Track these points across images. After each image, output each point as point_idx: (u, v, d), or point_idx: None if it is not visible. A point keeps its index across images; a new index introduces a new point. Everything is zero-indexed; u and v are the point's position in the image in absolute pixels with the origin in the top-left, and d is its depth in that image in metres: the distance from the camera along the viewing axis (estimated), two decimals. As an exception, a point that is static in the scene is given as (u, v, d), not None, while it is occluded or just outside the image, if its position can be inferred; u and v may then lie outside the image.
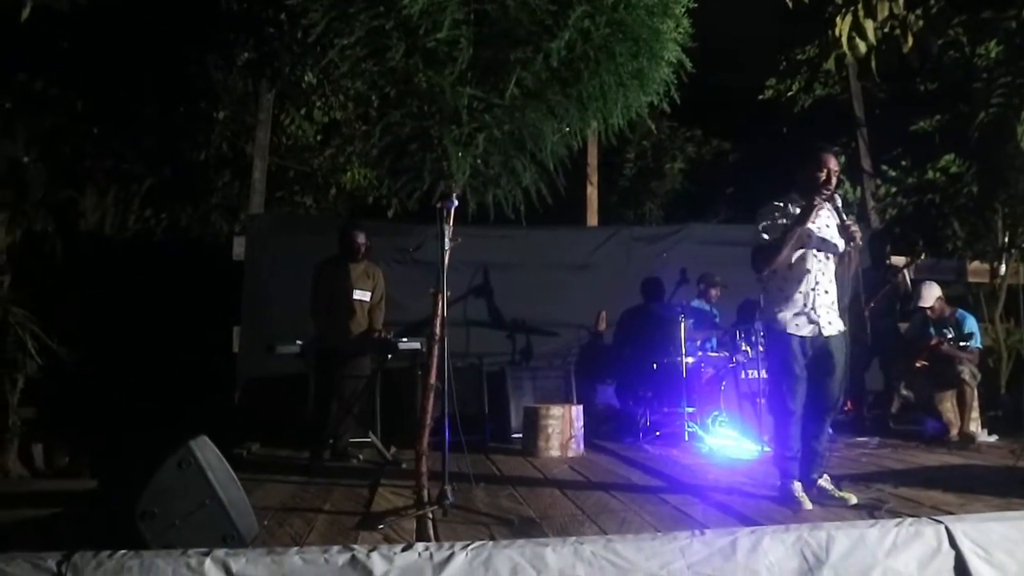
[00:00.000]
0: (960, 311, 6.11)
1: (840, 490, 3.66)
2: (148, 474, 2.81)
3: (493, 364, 6.73)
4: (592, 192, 8.09)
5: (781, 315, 3.67)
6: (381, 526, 3.27)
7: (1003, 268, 7.95)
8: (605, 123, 3.79)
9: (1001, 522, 2.93)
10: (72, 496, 4.59)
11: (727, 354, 6.21)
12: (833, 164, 3.66)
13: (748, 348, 6.02)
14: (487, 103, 3.52)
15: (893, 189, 8.86)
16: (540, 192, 3.80)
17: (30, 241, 6.97)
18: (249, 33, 8.13)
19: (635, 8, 3.48)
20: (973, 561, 2.77)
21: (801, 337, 3.64)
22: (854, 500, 3.56)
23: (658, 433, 6.06)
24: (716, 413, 5.96)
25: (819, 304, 3.66)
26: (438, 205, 3.66)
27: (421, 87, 3.53)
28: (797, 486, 3.63)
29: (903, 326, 6.57)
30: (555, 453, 5.42)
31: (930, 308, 5.99)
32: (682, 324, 6.04)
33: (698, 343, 6.41)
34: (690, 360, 6.08)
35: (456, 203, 3.67)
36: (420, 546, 2.64)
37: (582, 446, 5.58)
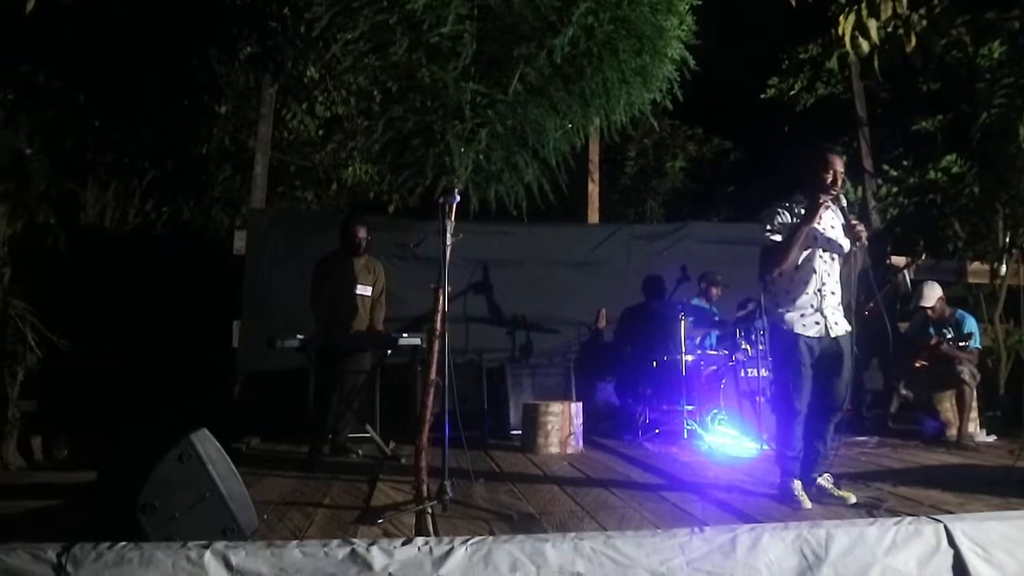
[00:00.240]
0: (960, 311, 6.12)
1: (839, 489, 3.67)
2: (149, 467, 2.81)
3: (493, 360, 6.73)
4: (593, 189, 8.09)
5: (788, 315, 3.67)
6: (380, 521, 3.28)
7: (1003, 269, 7.95)
8: (607, 120, 3.79)
9: (1000, 521, 2.94)
10: (72, 488, 4.59)
11: (727, 352, 6.21)
12: (839, 165, 3.66)
13: (748, 346, 6.02)
14: (490, 99, 3.51)
15: (894, 189, 8.85)
16: (542, 188, 3.80)
17: (31, 233, 6.96)
18: (252, 27, 8.13)
19: (639, 5, 3.47)
20: (972, 560, 2.78)
21: (808, 337, 3.64)
22: (853, 499, 3.56)
23: (657, 431, 6.06)
24: (716, 411, 5.96)
25: (826, 305, 3.67)
26: (440, 201, 3.66)
27: (424, 82, 3.52)
28: (797, 484, 3.64)
29: (903, 326, 6.58)
30: (554, 450, 5.42)
31: (931, 308, 5.99)
32: (682, 322, 6.05)
33: (698, 341, 6.42)
34: (690, 358, 6.08)
35: (458, 199, 3.67)
36: (420, 540, 2.64)
37: (581, 443, 5.58)
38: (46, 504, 3.95)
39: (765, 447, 5.22)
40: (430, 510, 3.43)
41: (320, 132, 9.89)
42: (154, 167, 8.65)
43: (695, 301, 6.57)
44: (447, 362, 3.66)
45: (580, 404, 5.69)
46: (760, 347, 5.74)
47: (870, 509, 3.36)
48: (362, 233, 5.40)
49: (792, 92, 10.86)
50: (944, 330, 6.00)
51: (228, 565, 2.50)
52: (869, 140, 8.80)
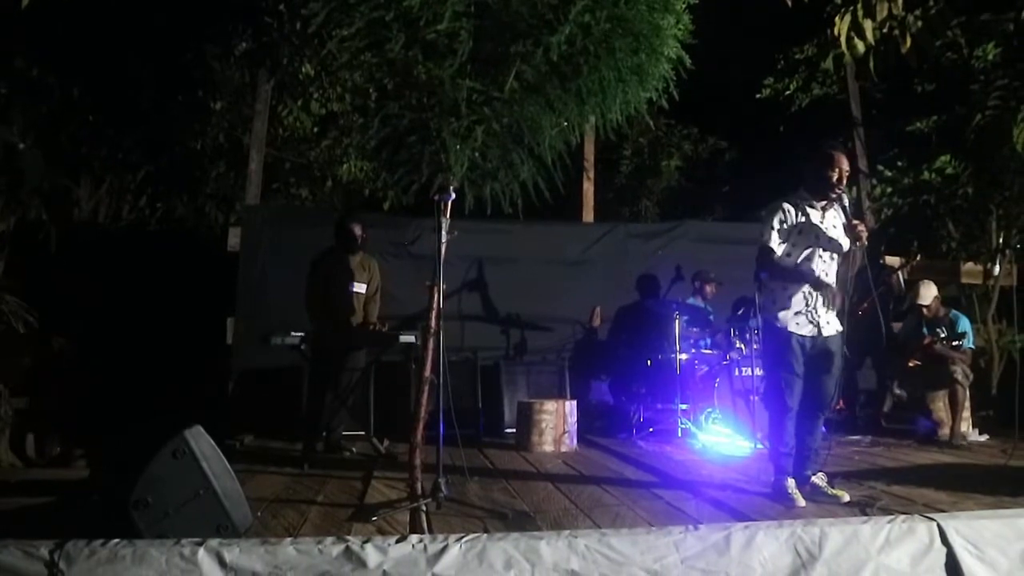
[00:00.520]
0: (954, 311, 6.16)
1: (833, 487, 3.69)
2: (142, 463, 2.80)
3: (487, 358, 6.73)
4: (589, 188, 8.09)
5: (783, 313, 3.68)
6: (375, 518, 3.28)
7: (996, 270, 7.98)
8: (603, 118, 3.79)
9: (992, 520, 2.95)
10: (65, 485, 4.58)
11: (721, 351, 6.22)
12: (845, 164, 3.66)
13: (742, 345, 6.03)
14: (486, 96, 3.51)
15: (889, 189, 8.85)
16: (538, 186, 3.80)
17: (24, 229, 6.93)
18: (248, 23, 8.10)
19: (636, 3, 3.47)
20: (965, 558, 2.79)
21: (801, 336, 3.66)
22: (847, 497, 3.58)
23: (651, 429, 6.07)
24: (709, 410, 5.97)
25: (820, 305, 3.68)
26: (435, 198, 3.66)
27: (420, 79, 3.52)
28: (790, 483, 3.65)
29: (896, 326, 6.60)
30: (548, 448, 5.42)
31: (926, 307, 6.02)
32: (676, 321, 6.05)
33: (692, 340, 6.43)
34: (684, 357, 6.09)
35: (454, 196, 3.66)
36: (414, 538, 2.64)
37: (575, 441, 5.59)
38: (39, 501, 3.94)
39: (759, 446, 5.23)
40: (424, 508, 3.42)
41: (315, 129, 9.86)
42: (148, 163, 8.62)
43: (690, 300, 6.59)
44: (442, 360, 3.66)
45: (574, 402, 5.70)
46: (754, 346, 5.75)
47: (864, 507, 3.37)
48: (358, 230, 5.39)
49: (788, 92, 10.87)
50: (938, 330, 6.03)
51: (222, 562, 2.49)
52: (864, 140, 8.82)
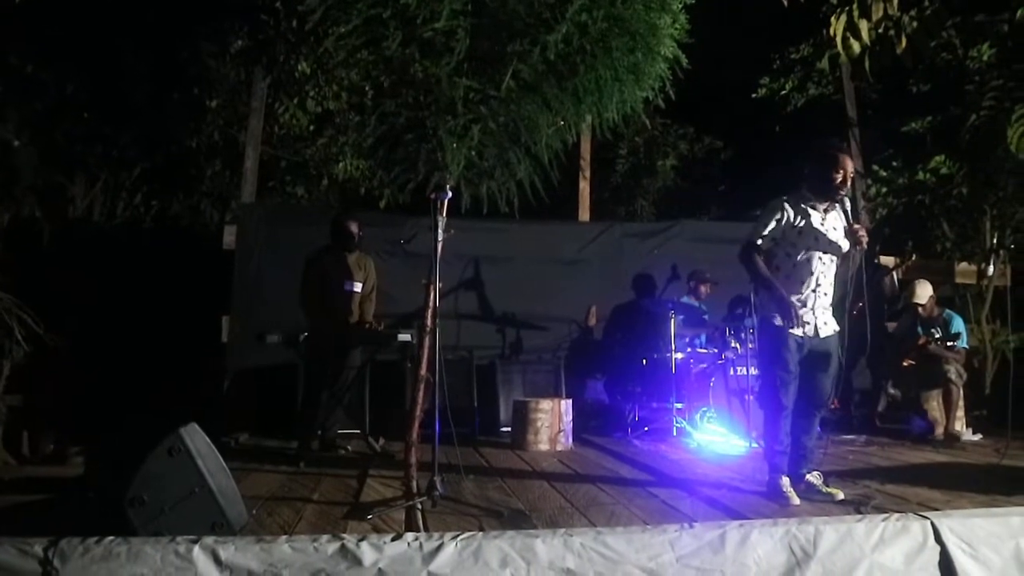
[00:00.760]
0: (948, 311, 6.18)
1: (828, 486, 3.70)
2: (138, 461, 2.80)
3: (483, 357, 6.74)
4: (585, 187, 8.09)
5: (779, 312, 3.68)
6: (370, 516, 3.28)
7: (991, 270, 8.01)
8: (600, 117, 3.80)
9: (986, 518, 2.97)
10: (59, 482, 4.57)
11: (716, 350, 6.23)
12: (850, 166, 3.66)
13: (737, 344, 6.04)
14: (483, 95, 3.52)
15: (884, 189, 8.88)
16: (534, 185, 3.80)
17: (18, 226, 6.90)
18: (244, 20, 8.07)
19: (633, 3, 3.48)
20: (958, 556, 2.81)
21: (797, 336, 3.66)
22: (841, 496, 3.59)
23: (647, 428, 6.09)
24: (705, 409, 5.98)
25: (818, 305, 3.69)
26: (432, 196, 3.65)
27: (417, 77, 3.52)
28: (785, 481, 3.66)
29: (891, 326, 6.62)
30: (544, 447, 5.43)
31: (922, 306, 6.05)
32: (672, 320, 6.06)
33: (687, 339, 6.44)
34: (679, 356, 6.10)
35: (450, 195, 3.66)
36: (410, 536, 2.64)
37: (571, 440, 5.59)
38: (33, 499, 3.93)
39: (754, 444, 5.25)
40: (420, 506, 3.43)
41: (312, 127, 9.83)
42: (144, 161, 8.58)
43: (685, 299, 6.60)
44: (438, 358, 3.66)
45: (570, 401, 5.70)
46: (750, 345, 5.77)
47: (858, 506, 3.38)
48: (354, 228, 5.38)
49: (783, 92, 10.89)
50: (932, 330, 6.05)
51: (217, 560, 2.49)
52: (859, 141, 8.85)
